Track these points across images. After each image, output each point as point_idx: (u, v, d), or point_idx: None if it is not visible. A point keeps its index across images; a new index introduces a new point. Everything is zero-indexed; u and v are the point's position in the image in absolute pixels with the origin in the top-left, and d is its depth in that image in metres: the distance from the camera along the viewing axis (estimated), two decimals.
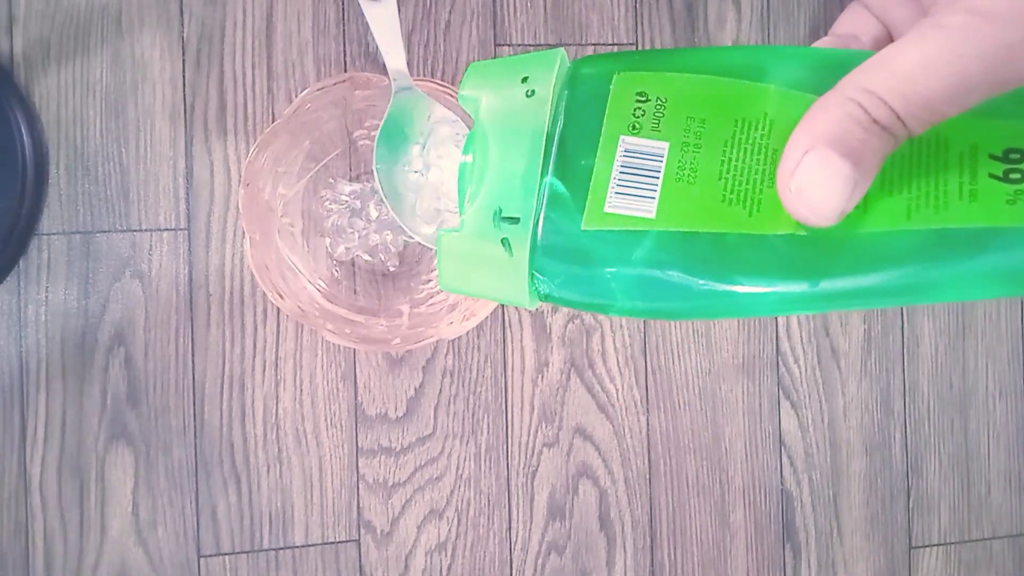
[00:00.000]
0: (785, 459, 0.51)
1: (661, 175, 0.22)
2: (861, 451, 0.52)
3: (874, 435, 0.52)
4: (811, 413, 0.51)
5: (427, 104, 0.35)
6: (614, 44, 0.49)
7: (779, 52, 0.24)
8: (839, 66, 0.21)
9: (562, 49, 0.25)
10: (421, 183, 0.34)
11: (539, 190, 0.23)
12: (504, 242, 0.23)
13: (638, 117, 0.23)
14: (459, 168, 0.25)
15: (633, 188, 0.22)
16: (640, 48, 0.49)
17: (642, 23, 0.49)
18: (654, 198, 0.22)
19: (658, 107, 0.23)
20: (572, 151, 0.23)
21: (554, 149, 0.23)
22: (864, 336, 0.52)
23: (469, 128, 0.27)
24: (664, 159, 0.22)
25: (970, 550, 0.53)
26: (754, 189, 0.21)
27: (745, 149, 0.22)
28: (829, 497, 0.51)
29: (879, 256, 0.20)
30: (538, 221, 0.23)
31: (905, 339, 0.52)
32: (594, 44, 0.48)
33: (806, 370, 0.51)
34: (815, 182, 0.19)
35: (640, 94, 0.23)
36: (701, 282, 0.21)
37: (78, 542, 0.44)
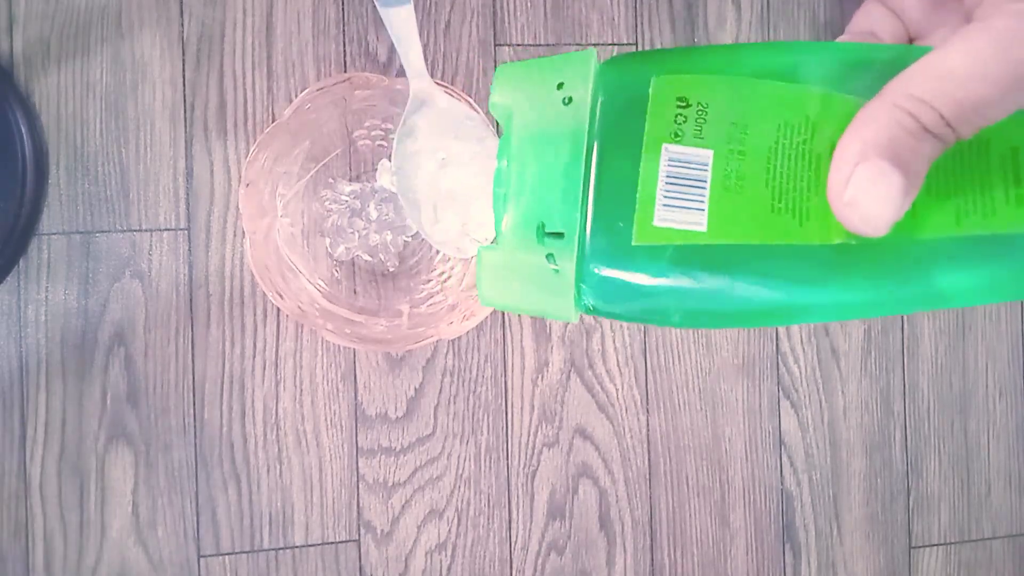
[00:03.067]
0: (785, 459, 0.51)
1: (708, 185, 0.22)
2: (861, 451, 0.52)
3: (874, 435, 0.52)
4: (811, 413, 0.51)
5: (447, 107, 0.35)
6: (614, 44, 0.49)
7: (813, 49, 0.24)
8: (873, 64, 0.21)
9: (593, 50, 0.24)
10: (439, 186, 0.34)
11: (582, 203, 0.22)
12: (549, 257, 0.22)
13: (680, 124, 0.22)
14: (495, 175, 0.25)
15: (681, 199, 0.22)
16: (640, 48, 0.49)
17: (642, 23, 0.49)
18: (703, 210, 0.21)
19: (699, 113, 0.22)
20: (613, 161, 0.22)
21: (594, 159, 0.22)
22: (864, 336, 0.52)
23: (488, 131, 0.27)
24: (710, 168, 0.22)
25: (970, 550, 0.53)
26: (801, 197, 0.21)
27: (789, 155, 0.21)
28: (829, 497, 0.51)
29: (931, 263, 0.20)
30: (584, 236, 0.22)
31: (905, 339, 0.52)
32: (594, 44, 0.48)
33: (806, 370, 0.51)
34: (868, 193, 0.19)
35: (680, 99, 0.22)
36: (756, 294, 0.21)
37: (78, 542, 0.44)
